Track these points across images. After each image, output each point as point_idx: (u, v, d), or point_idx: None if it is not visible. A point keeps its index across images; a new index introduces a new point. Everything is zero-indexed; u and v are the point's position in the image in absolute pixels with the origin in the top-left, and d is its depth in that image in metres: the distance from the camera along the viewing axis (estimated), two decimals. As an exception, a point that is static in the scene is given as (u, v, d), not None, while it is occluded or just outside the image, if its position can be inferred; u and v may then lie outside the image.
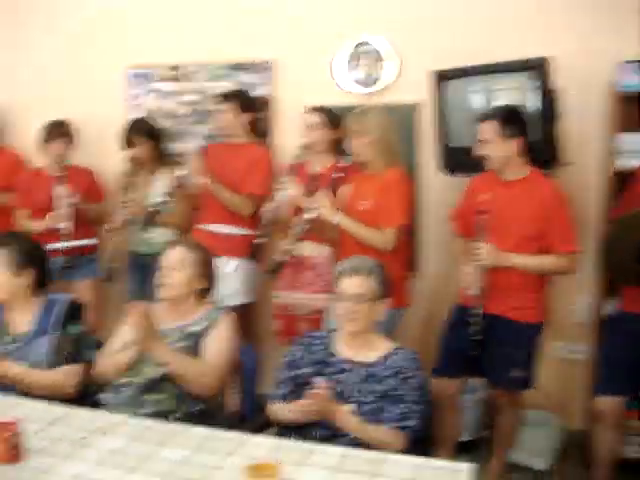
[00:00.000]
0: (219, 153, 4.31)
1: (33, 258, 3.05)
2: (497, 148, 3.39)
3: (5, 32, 5.13)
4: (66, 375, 2.95)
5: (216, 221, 4.22)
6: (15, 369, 2.86)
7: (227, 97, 4.29)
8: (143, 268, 4.55)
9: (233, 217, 4.20)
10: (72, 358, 2.98)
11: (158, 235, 4.50)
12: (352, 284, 2.73)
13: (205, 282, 3.05)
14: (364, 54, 4.30)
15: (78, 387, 2.96)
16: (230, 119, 4.25)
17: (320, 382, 2.61)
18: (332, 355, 2.80)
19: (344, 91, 4.35)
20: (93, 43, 4.89)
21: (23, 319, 3.05)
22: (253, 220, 4.13)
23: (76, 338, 3.02)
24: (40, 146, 4.62)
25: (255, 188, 4.19)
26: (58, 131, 4.60)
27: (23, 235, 3.41)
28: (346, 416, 2.61)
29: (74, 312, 3.08)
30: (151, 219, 4.21)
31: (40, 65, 5.05)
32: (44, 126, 4.62)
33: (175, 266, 3.00)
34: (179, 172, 4.20)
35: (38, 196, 4.59)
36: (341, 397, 2.67)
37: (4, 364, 2.86)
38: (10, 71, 5.10)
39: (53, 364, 2.96)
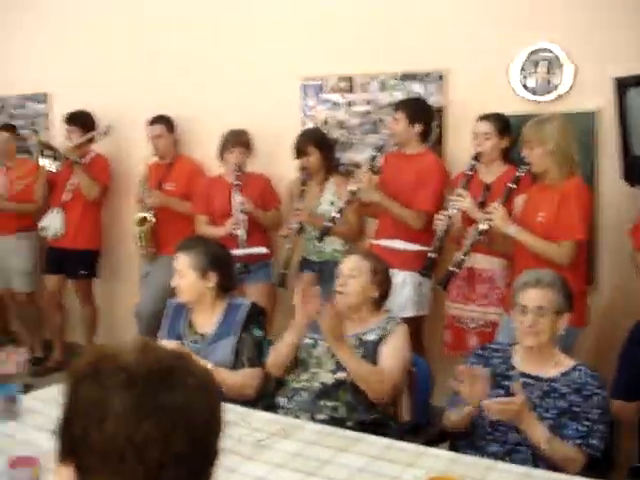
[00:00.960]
0: (394, 162, 4.32)
1: (219, 262, 3.18)
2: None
3: (186, 50, 5.39)
4: (247, 378, 3.04)
5: (389, 236, 4.21)
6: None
7: (400, 106, 4.30)
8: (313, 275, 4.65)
9: (406, 232, 4.18)
10: (252, 362, 3.08)
11: (327, 244, 4.56)
12: (534, 297, 2.66)
13: (379, 290, 3.07)
14: (539, 61, 4.18)
15: (258, 390, 3.05)
16: (402, 128, 4.24)
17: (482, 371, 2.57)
18: (511, 368, 2.74)
19: (519, 99, 4.23)
20: (269, 54, 5.03)
21: (207, 321, 3.19)
22: (426, 234, 4.09)
23: (258, 342, 3.13)
24: (220, 154, 4.80)
25: (426, 204, 4.15)
26: (238, 140, 4.75)
27: (210, 239, 3.57)
28: (534, 423, 2.53)
29: (256, 316, 3.19)
30: (326, 232, 4.25)
31: (217, 76, 5.25)
32: (224, 135, 4.79)
33: (351, 274, 3.06)
34: (352, 186, 4.19)
35: (217, 203, 4.77)
36: (522, 411, 2.60)
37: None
38: (189, 83, 5.34)
39: (235, 366, 3.07)
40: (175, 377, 1.11)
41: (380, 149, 4.27)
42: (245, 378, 3.05)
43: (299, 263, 4.75)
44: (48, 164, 5.27)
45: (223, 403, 1.17)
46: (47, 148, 5.35)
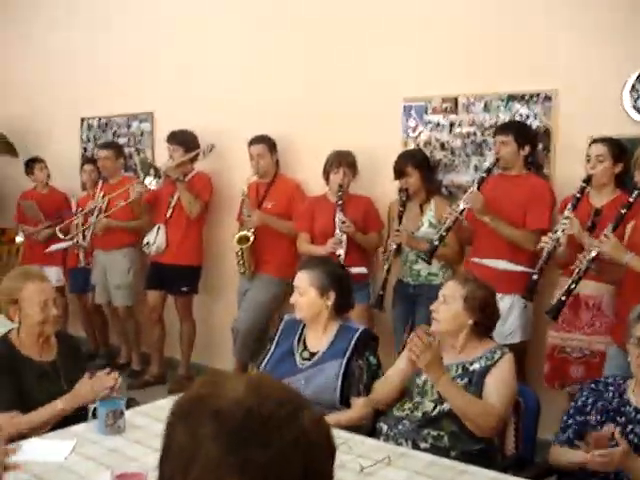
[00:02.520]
0: (497, 185, 4.21)
1: (338, 282, 3.21)
2: None
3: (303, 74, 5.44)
4: (364, 408, 3.04)
5: (492, 256, 4.10)
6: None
7: (507, 129, 4.21)
8: (409, 297, 4.59)
9: (511, 252, 4.08)
10: (368, 390, 3.06)
11: (424, 267, 4.50)
12: (652, 329, 2.53)
13: (475, 317, 2.95)
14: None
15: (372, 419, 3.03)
16: (510, 151, 4.15)
17: (610, 428, 2.44)
18: (627, 404, 2.61)
19: (630, 121, 4.07)
20: (371, 75, 5.00)
21: (319, 340, 3.20)
22: (530, 256, 3.99)
23: (374, 370, 3.10)
24: (324, 174, 4.80)
25: (542, 223, 4.03)
26: (343, 160, 4.75)
27: (332, 260, 3.60)
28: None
29: (370, 342, 3.18)
30: (434, 252, 4.18)
31: (318, 96, 5.27)
32: (329, 155, 4.79)
33: (444, 300, 2.99)
34: (458, 207, 4.08)
35: (319, 222, 4.80)
36: (635, 450, 2.47)
37: None
38: (290, 103, 5.39)
39: (344, 389, 3.06)
40: (271, 428, 1.04)
41: (489, 171, 4.15)
42: (362, 410, 3.05)
43: (395, 285, 4.70)
44: (150, 182, 5.39)
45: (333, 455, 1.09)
46: (150, 166, 5.48)
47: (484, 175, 4.15)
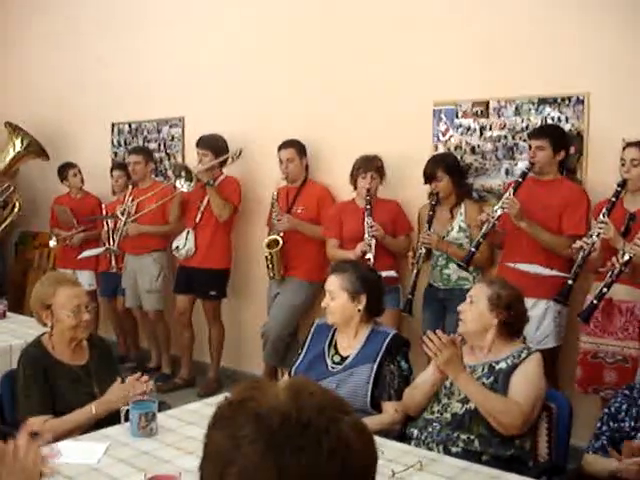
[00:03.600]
0: (531, 190, 4.15)
1: (369, 285, 3.21)
2: None
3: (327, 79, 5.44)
4: (396, 412, 3.03)
5: (526, 260, 4.05)
6: None
7: (543, 133, 4.15)
8: (439, 302, 4.57)
9: (545, 257, 4.05)
10: (399, 395, 3.05)
11: (455, 271, 4.48)
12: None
13: (501, 317, 2.92)
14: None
15: (402, 424, 3.01)
16: (546, 156, 4.09)
17: None
18: (662, 411, 2.58)
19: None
20: (401, 79, 4.99)
21: (350, 343, 3.20)
22: (565, 261, 3.94)
23: (405, 375, 3.09)
24: (352, 179, 4.80)
25: (577, 228, 3.99)
26: (370, 165, 4.74)
27: (362, 264, 3.61)
28: None
29: (401, 347, 3.17)
30: (471, 259, 4.14)
31: (348, 100, 5.26)
32: (356, 160, 4.79)
33: (470, 300, 3.00)
34: (494, 212, 4.03)
35: (348, 227, 4.79)
36: (671, 458, 2.44)
37: None
38: (320, 108, 5.40)
39: (375, 394, 3.05)
40: (309, 435, 1.03)
41: (524, 175, 4.10)
42: (394, 414, 3.03)
43: (425, 289, 4.68)
44: (181, 186, 5.41)
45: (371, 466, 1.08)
46: (182, 168, 5.50)
47: (520, 180, 4.09)
